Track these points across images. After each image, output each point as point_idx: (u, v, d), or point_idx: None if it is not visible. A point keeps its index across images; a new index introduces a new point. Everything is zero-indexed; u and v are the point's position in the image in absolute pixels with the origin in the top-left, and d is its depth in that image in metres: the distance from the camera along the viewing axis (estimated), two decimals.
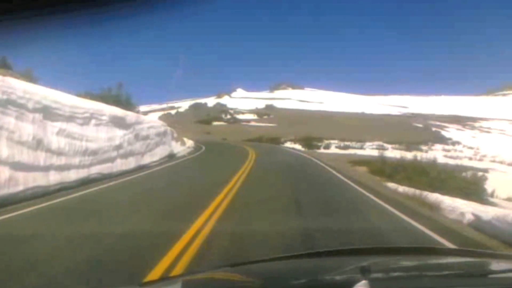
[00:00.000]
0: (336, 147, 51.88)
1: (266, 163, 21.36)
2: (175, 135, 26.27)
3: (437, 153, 51.91)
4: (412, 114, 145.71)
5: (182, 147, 27.28)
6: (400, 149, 53.55)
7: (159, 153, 19.94)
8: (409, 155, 49.50)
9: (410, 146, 56.97)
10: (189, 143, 31.72)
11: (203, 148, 32.43)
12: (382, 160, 23.23)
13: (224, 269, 2.14)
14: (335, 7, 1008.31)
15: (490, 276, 1.83)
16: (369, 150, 51.23)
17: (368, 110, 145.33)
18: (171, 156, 22.04)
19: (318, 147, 50.20)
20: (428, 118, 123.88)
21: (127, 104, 20.46)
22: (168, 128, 23.26)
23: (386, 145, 57.13)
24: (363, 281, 1.47)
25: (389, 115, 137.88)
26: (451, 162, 42.64)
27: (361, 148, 52.02)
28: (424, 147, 57.82)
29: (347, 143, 55.86)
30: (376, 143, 58.35)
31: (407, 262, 2.20)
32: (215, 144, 41.44)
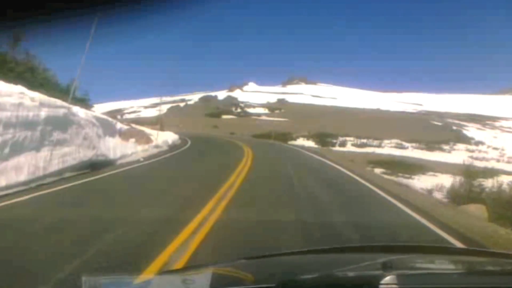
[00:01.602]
0: (353, 144, 48.40)
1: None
2: (121, 127, 18.64)
3: (461, 154, 48.33)
4: (427, 112, 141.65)
5: (140, 147, 17.67)
6: (421, 149, 50.15)
7: (59, 158, 10.20)
8: (432, 155, 46.34)
9: (430, 145, 53.36)
10: (165, 139, 22.80)
11: (184, 147, 24.30)
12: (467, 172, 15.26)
13: (242, 262, 2.13)
14: (350, 3, 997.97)
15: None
16: (388, 148, 47.81)
17: (383, 107, 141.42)
18: (93, 165, 11.84)
19: (333, 144, 46.82)
20: (444, 116, 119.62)
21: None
22: (105, 117, 16.84)
23: (405, 143, 53.51)
24: (391, 276, 1.45)
25: (404, 112, 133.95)
26: (479, 164, 39.13)
27: (379, 146, 48.49)
28: (445, 147, 54.08)
29: (363, 140, 52.29)
30: (394, 141, 54.73)
31: (426, 259, 2.13)
32: (207, 142, 32.86)
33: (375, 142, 50.74)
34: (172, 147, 22.62)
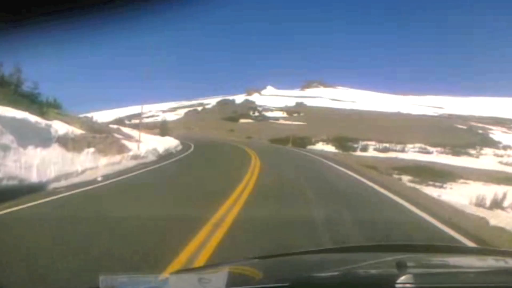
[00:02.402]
0: (375, 149, 46.40)
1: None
2: (67, 131, 12.82)
3: (489, 159, 46.04)
4: (449, 115, 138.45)
5: (105, 160, 12.98)
6: (446, 153, 47.97)
7: None
8: (459, 160, 44.10)
9: (456, 149, 51.08)
10: (153, 148, 18.61)
11: (179, 156, 20.69)
12: None
13: (255, 261, 2.15)
14: (367, 5, 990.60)
15: None
16: (412, 153, 45.79)
17: (404, 110, 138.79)
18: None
19: (354, 149, 44.97)
20: (467, 119, 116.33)
21: None
22: (22, 117, 10.49)
23: (429, 148, 51.32)
24: (407, 275, 1.45)
25: (425, 115, 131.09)
26: (510, 170, 36.96)
27: (403, 151, 46.42)
28: (472, 151, 51.71)
29: (386, 144, 50.24)
30: (418, 145, 52.58)
31: (439, 258, 2.15)
32: (212, 149, 29.05)
33: (398, 147, 48.67)
34: (163, 156, 18.71)
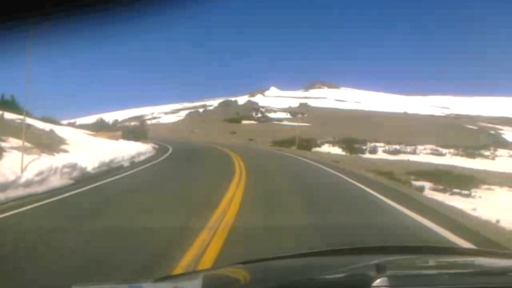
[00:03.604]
0: (384, 151, 43.60)
1: None
2: None
3: (506, 160, 43.34)
4: (457, 115, 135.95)
5: None
6: (460, 155, 45.24)
7: None
8: (475, 162, 41.41)
9: (469, 151, 48.30)
10: (71, 163, 11.88)
11: (126, 172, 14.39)
12: None
13: (238, 266, 2.04)
14: (371, 5, 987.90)
15: (509, 274, 1.76)
16: (424, 155, 43.06)
17: (410, 110, 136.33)
18: None
19: (363, 151, 42.24)
20: (476, 119, 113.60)
21: None
22: None
23: (441, 149, 48.53)
24: (383, 278, 1.46)
25: (432, 116, 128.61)
26: None
27: (414, 153, 43.62)
28: (486, 153, 48.93)
29: (396, 146, 47.46)
30: (429, 146, 49.81)
31: (420, 260, 2.15)
32: (190, 158, 22.88)
33: (409, 149, 45.89)
34: (91, 177, 12.08)
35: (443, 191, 17.44)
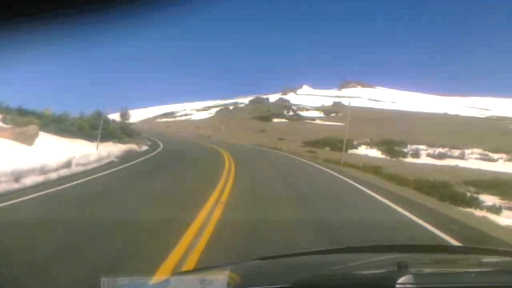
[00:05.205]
0: (428, 155, 39.62)
1: None
2: None
3: None
4: (498, 117, 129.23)
5: None
6: None
7: None
8: None
9: None
10: None
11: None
12: None
13: (254, 262, 2.07)
14: (407, 4, 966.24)
15: None
16: (473, 160, 38.91)
17: (450, 111, 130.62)
18: None
19: (404, 155, 38.46)
20: None
21: None
22: None
23: (490, 154, 44.10)
24: (408, 275, 1.43)
25: (473, 117, 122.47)
26: None
27: (462, 157, 39.45)
28: None
29: (440, 149, 43.30)
30: (476, 150, 45.43)
31: (439, 259, 2.14)
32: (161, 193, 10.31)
33: (456, 153, 41.70)
34: None
35: None
